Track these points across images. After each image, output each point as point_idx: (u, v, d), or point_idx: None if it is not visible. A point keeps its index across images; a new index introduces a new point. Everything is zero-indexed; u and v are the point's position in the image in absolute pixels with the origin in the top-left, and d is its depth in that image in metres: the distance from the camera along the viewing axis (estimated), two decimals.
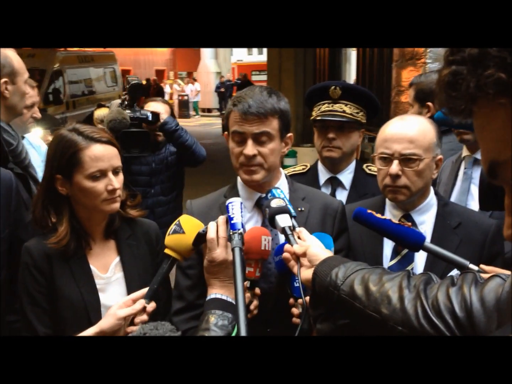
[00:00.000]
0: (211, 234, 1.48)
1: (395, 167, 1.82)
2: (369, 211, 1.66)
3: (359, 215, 1.67)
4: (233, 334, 1.32)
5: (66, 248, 1.75)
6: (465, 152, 2.57)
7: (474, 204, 2.36)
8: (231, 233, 1.44)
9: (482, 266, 1.52)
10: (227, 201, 1.55)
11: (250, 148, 1.70)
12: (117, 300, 1.70)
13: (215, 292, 1.46)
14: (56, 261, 1.76)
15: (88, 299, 1.76)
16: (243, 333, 1.15)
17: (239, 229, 1.44)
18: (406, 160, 1.82)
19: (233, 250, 1.39)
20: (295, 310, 1.53)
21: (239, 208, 1.51)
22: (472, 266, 1.48)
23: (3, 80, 2.37)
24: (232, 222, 1.47)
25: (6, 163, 2.29)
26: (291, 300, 1.54)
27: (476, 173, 2.42)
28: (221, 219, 1.52)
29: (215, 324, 1.36)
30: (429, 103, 2.92)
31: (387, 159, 1.86)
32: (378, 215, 1.64)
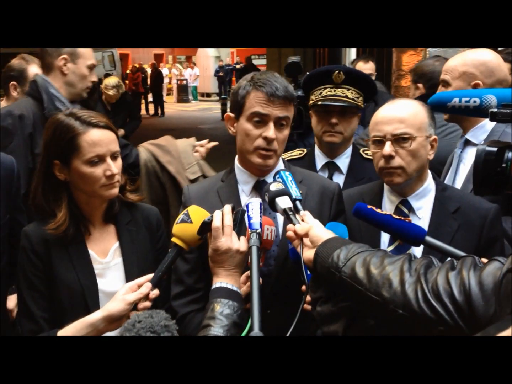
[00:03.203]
0: (216, 222, 1.48)
1: (387, 148, 1.83)
2: (369, 206, 1.65)
3: (359, 210, 1.67)
4: (246, 329, 1.30)
5: (64, 233, 1.74)
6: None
7: (459, 181, 2.34)
8: (249, 232, 1.46)
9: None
10: (247, 201, 1.57)
11: (273, 132, 1.71)
12: (116, 285, 1.71)
13: (220, 281, 1.45)
14: (54, 245, 1.76)
15: (85, 284, 1.76)
16: (256, 329, 1.16)
17: (257, 229, 1.46)
18: (398, 140, 1.83)
19: (250, 248, 1.41)
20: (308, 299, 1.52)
21: (258, 209, 1.52)
22: None
23: (62, 56, 2.68)
24: (251, 221, 1.49)
25: None
26: (303, 287, 1.54)
27: (466, 154, 2.39)
28: (227, 208, 1.52)
29: (220, 312, 1.36)
30: (419, 84, 3.22)
31: (380, 142, 1.87)
32: (378, 210, 1.63)
